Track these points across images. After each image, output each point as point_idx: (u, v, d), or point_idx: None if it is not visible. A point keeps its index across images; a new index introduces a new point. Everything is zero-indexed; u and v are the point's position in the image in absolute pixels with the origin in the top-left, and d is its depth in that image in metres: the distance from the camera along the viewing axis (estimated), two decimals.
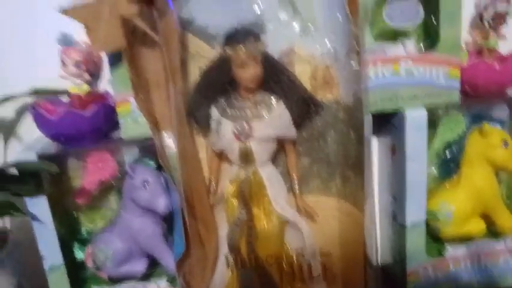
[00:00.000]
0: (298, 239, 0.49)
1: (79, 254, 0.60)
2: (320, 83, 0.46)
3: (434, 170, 0.62)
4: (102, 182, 0.57)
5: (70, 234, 0.59)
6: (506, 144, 0.56)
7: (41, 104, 0.53)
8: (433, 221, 0.59)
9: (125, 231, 0.56)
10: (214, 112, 0.46)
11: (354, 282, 0.48)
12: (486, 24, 0.56)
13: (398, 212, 0.59)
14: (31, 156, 0.50)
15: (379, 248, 0.67)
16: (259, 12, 0.43)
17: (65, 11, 0.41)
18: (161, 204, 0.53)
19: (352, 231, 0.48)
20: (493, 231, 0.61)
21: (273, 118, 0.45)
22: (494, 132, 0.57)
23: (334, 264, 0.49)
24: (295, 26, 0.44)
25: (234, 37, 0.43)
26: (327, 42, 0.43)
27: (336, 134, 0.47)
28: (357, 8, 0.40)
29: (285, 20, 0.44)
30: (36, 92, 0.55)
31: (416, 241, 0.58)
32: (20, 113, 0.61)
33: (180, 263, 0.47)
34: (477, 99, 0.57)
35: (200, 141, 0.49)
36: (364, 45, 0.44)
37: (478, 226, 0.60)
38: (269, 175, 0.48)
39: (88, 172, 0.56)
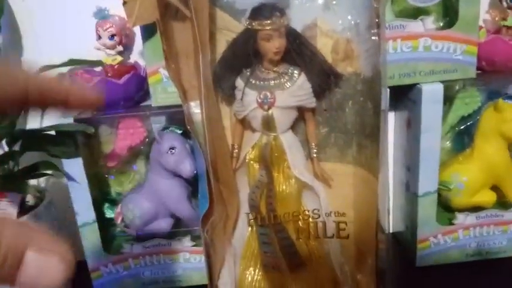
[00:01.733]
0: (315, 201, 0.52)
1: (109, 213, 0.64)
2: (341, 56, 0.48)
3: (448, 144, 0.65)
4: (132, 147, 0.61)
5: (101, 195, 0.64)
6: None
7: (78, 72, 0.57)
8: (445, 191, 0.62)
9: (152, 192, 0.60)
10: (239, 82, 0.49)
11: (367, 244, 0.50)
12: (504, 4, 0.57)
13: (411, 182, 0.62)
14: (68, 121, 0.54)
15: (392, 217, 0.71)
16: None
17: None
18: (187, 168, 0.57)
19: (366, 196, 0.50)
20: (503, 202, 0.64)
21: (294, 88, 0.48)
22: (509, 107, 0.59)
23: (348, 226, 0.51)
24: (319, 1, 0.46)
25: (260, 12, 0.45)
26: (349, 17, 0.45)
27: (354, 105, 0.49)
28: None
29: None
30: (73, 63, 0.58)
31: (427, 210, 0.61)
32: None
33: (204, 220, 0.50)
34: (493, 75, 0.59)
35: (225, 109, 0.51)
36: (385, 21, 0.45)
37: (488, 197, 0.63)
38: (289, 142, 0.50)
39: (119, 138, 0.60)
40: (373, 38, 0.44)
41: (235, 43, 0.48)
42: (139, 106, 0.58)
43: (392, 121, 0.66)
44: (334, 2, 0.45)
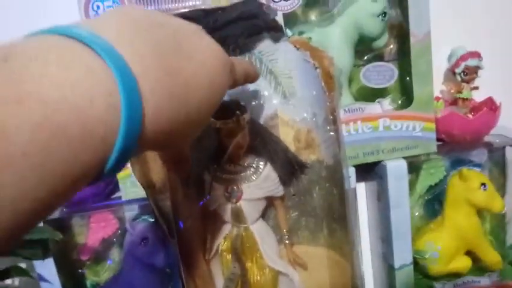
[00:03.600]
0: None
1: None
2: (303, 144, 0.49)
3: (419, 212, 0.66)
4: (105, 239, 0.61)
5: None
6: (485, 187, 0.60)
7: None
8: (421, 260, 0.62)
9: (127, 284, 0.59)
10: (207, 177, 0.49)
11: None
12: (458, 78, 0.60)
13: (387, 254, 0.62)
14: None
15: (373, 287, 0.70)
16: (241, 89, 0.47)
17: None
18: (160, 259, 0.57)
19: (340, 279, 0.51)
20: (479, 267, 0.64)
21: (260, 180, 0.49)
22: (473, 176, 0.60)
23: None
24: (278, 97, 0.47)
25: (222, 111, 0.46)
26: (305, 114, 0.47)
27: (321, 191, 0.50)
28: (332, 82, 0.44)
29: (269, 91, 0.47)
30: None
31: (405, 281, 0.61)
32: None
33: None
34: (455, 145, 0.61)
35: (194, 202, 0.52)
36: (339, 116, 0.47)
37: (463, 263, 0.63)
38: (260, 231, 0.51)
39: (91, 231, 0.60)
40: (331, 133, 0.45)
41: (199, 141, 0.49)
42: (109, 198, 0.58)
43: (363, 193, 0.67)
44: (290, 102, 0.47)
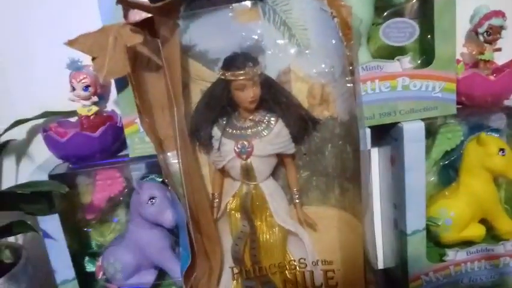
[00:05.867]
0: (300, 248, 0.51)
1: (90, 267, 0.62)
2: (317, 100, 0.47)
3: (433, 178, 0.64)
4: (111, 198, 0.59)
5: (80, 248, 0.61)
6: (503, 152, 0.58)
7: (52, 127, 0.55)
8: (433, 227, 0.61)
9: (133, 244, 0.58)
10: (216, 132, 0.48)
11: None
12: (481, 38, 0.57)
13: (399, 220, 0.61)
14: (43, 177, 0.52)
15: (382, 254, 0.69)
16: (257, 37, 0.45)
17: (71, 42, 0.43)
18: (168, 218, 0.55)
19: (352, 240, 0.49)
20: (493, 236, 0.62)
21: (272, 136, 0.47)
22: (491, 140, 0.58)
23: (336, 273, 0.50)
24: (291, 50, 0.45)
25: (233, 62, 0.45)
26: (323, 65, 0.45)
27: (334, 148, 0.49)
28: (350, 33, 0.42)
29: (281, 44, 0.45)
30: (48, 114, 0.57)
31: (417, 247, 0.59)
32: (32, 134, 0.63)
33: (187, 275, 0.48)
34: (474, 109, 0.59)
35: (203, 158, 0.50)
36: (358, 67, 0.45)
37: (477, 231, 0.61)
38: (270, 189, 0.49)
39: (97, 189, 0.58)
40: (348, 85, 0.43)
41: (210, 93, 0.47)
42: (116, 156, 0.57)
43: (376, 158, 0.65)
44: (307, 51, 0.45)
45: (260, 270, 0.49)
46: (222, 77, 0.45)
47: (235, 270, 0.49)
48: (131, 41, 0.42)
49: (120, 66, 0.44)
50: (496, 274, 0.61)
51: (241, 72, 0.44)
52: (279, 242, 0.50)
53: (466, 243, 0.61)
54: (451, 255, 0.60)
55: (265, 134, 0.47)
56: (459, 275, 0.61)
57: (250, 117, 0.47)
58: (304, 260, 0.50)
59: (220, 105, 0.47)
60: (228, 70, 0.45)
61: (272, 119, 0.47)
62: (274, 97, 0.46)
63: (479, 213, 0.61)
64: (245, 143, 0.47)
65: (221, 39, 0.46)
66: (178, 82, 0.44)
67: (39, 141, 0.59)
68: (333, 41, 0.43)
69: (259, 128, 0.47)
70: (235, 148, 0.47)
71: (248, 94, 0.45)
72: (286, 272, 0.50)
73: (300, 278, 0.50)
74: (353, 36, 0.42)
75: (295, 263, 0.50)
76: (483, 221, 0.62)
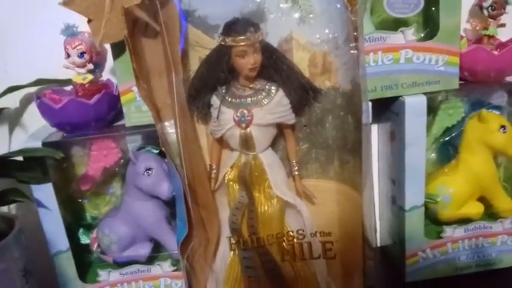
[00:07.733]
0: (298, 220, 0.50)
1: (84, 239, 0.61)
2: (319, 69, 0.46)
3: (433, 155, 0.63)
4: (106, 168, 0.58)
5: (74, 220, 0.61)
6: (504, 129, 0.57)
7: (46, 93, 0.54)
8: (431, 203, 0.60)
9: (129, 215, 0.57)
10: (215, 100, 0.47)
11: (354, 263, 0.49)
12: (485, 12, 0.56)
13: (398, 196, 0.60)
14: (36, 145, 0.51)
15: (379, 230, 0.69)
16: (259, 0, 0.44)
17: (66, 3, 0.41)
18: (164, 190, 0.55)
19: (351, 212, 0.49)
20: (491, 214, 0.62)
21: (272, 105, 0.46)
22: (493, 117, 0.58)
23: (334, 245, 0.50)
24: (294, 15, 0.44)
25: (234, 28, 0.43)
26: (326, 31, 0.43)
27: (334, 120, 0.48)
28: (356, 1, 0.41)
29: (284, 8, 0.44)
30: (41, 82, 0.55)
31: (414, 224, 0.59)
32: (25, 102, 0.61)
33: (183, 246, 0.48)
34: (476, 85, 0.58)
35: (201, 128, 0.49)
36: (363, 33, 0.44)
37: (475, 209, 0.61)
38: (269, 160, 0.49)
39: (92, 159, 0.57)
40: (351, 51, 0.42)
41: (209, 60, 0.46)
42: (112, 126, 0.56)
43: (375, 134, 0.64)
44: (311, 16, 0.43)
45: (258, 241, 0.48)
46: (222, 43, 0.44)
47: (233, 241, 0.49)
48: (128, 2, 0.41)
49: (117, 29, 0.42)
50: (493, 252, 0.61)
51: (242, 37, 0.43)
52: (277, 213, 0.49)
53: (464, 221, 0.61)
54: (449, 231, 0.60)
55: (265, 102, 0.46)
56: (456, 252, 0.61)
57: (250, 86, 0.46)
58: (303, 231, 0.49)
59: (219, 72, 0.45)
60: (228, 35, 0.43)
61: (273, 87, 0.46)
62: (275, 65, 0.45)
63: (478, 191, 0.61)
64: (245, 111, 0.46)
65: (221, 4, 0.44)
66: (177, 47, 0.43)
67: (33, 110, 0.57)
68: (338, 5, 0.42)
69: (259, 96, 0.46)
70: (235, 116, 0.46)
71: (249, 61, 0.44)
72: (284, 243, 0.49)
73: (298, 249, 0.49)
74: (358, 0, 0.41)
75: (293, 234, 0.49)
76: (481, 199, 0.62)
